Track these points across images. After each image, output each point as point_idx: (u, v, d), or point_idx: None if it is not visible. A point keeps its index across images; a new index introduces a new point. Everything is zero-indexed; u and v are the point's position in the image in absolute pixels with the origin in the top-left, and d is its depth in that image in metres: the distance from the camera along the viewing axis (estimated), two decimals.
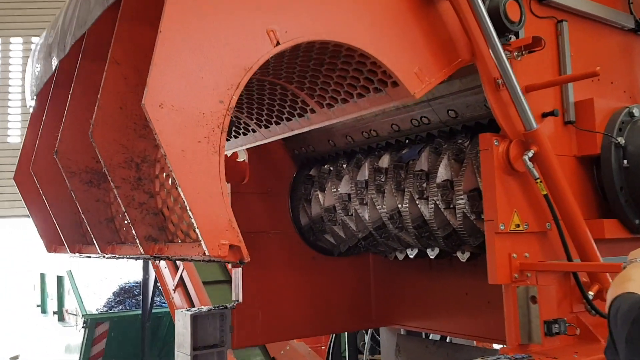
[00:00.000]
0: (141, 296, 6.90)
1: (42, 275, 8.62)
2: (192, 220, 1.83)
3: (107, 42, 2.60)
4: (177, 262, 5.89)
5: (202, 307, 4.45)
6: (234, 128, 3.40)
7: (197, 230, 1.82)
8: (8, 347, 10.68)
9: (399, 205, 3.67)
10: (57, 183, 3.20)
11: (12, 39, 12.10)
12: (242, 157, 4.30)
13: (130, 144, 2.55)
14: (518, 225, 2.69)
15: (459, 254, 3.65)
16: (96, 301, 7.93)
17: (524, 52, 2.66)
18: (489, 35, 2.55)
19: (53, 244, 3.58)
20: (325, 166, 4.26)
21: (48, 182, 3.34)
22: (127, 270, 8.14)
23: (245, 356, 5.90)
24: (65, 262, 7.94)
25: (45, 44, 3.62)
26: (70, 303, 7.50)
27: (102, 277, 7.98)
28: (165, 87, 1.87)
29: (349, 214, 4.02)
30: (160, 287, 6.42)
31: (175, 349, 4.04)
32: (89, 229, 2.91)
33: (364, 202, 3.90)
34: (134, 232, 2.45)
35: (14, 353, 10.50)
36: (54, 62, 3.36)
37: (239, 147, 3.68)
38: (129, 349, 7.32)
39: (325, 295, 4.52)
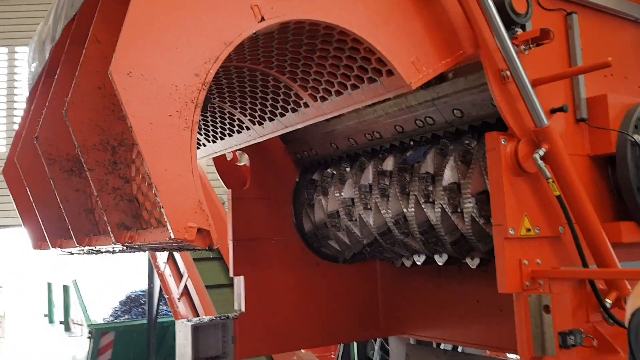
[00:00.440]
0: (147, 305, 6.81)
1: (49, 285, 8.55)
2: (158, 199, 1.70)
3: None
4: (182, 270, 5.77)
5: (204, 317, 4.32)
6: (228, 126, 3.28)
7: (162, 210, 1.70)
8: (16, 358, 10.62)
9: (404, 210, 3.53)
10: (40, 173, 3.05)
11: None
12: (243, 162, 4.17)
13: (107, 126, 2.42)
14: (529, 230, 2.53)
15: (468, 260, 3.50)
16: (103, 310, 7.85)
17: (531, 45, 2.50)
18: (494, 24, 2.41)
19: (38, 241, 3.44)
20: (329, 170, 4.12)
21: (31, 172, 3.18)
22: (134, 279, 8.05)
23: None
24: (71, 271, 7.87)
25: (39, 39, 3.52)
26: (76, 313, 7.42)
27: (109, 286, 7.90)
28: (136, 54, 1.76)
29: (353, 219, 3.88)
30: (165, 296, 6.33)
31: None
32: (66, 219, 2.78)
33: (368, 206, 3.76)
34: (105, 218, 2.31)
35: None
36: (47, 53, 3.25)
37: (234, 147, 3.55)
38: (135, 358, 7.21)
39: (331, 304, 4.37)
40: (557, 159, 2.52)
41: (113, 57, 1.72)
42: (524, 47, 2.50)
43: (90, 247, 2.62)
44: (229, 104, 3.12)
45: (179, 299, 5.74)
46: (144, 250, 2.47)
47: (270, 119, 3.09)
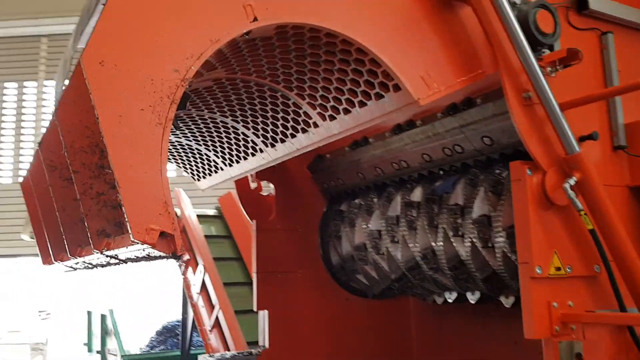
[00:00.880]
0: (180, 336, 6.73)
1: (89, 313, 8.62)
2: (119, 196, 1.59)
3: None
4: (214, 301, 5.67)
5: (226, 352, 4.19)
6: (242, 148, 3.20)
7: (123, 208, 1.58)
8: None
9: (433, 244, 3.33)
10: (46, 184, 3.00)
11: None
12: (268, 191, 4.07)
13: (97, 128, 2.33)
14: (559, 269, 2.30)
15: (502, 299, 3.25)
16: (140, 340, 7.81)
17: (558, 66, 2.30)
18: (518, 44, 2.22)
19: (48, 257, 3.38)
20: (356, 200, 3.96)
21: (40, 183, 3.15)
22: (172, 309, 8.00)
23: None
24: (111, 299, 7.90)
25: (64, 57, 3.52)
26: (112, 342, 7.42)
27: (147, 315, 7.89)
28: (111, 44, 1.69)
29: (380, 252, 3.69)
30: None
31: None
32: (61, 229, 2.69)
33: (396, 239, 3.57)
34: (86, 224, 2.20)
35: None
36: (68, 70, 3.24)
37: (250, 170, 3.45)
38: None
39: (361, 341, 4.17)
40: (590, 189, 2.29)
41: (86, 45, 1.65)
42: (550, 68, 2.30)
43: (83, 259, 2.53)
44: (242, 123, 3.04)
45: (210, 330, 5.64)
46: (124, 262, 2.35)
47: (282, 141, 2.99)
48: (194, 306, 5.98)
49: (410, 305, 4.37)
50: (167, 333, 8.20)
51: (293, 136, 2.90)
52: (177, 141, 3.41)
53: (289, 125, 2.85)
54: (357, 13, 2.12)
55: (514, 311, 3.36)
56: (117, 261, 2.29)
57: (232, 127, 3.05)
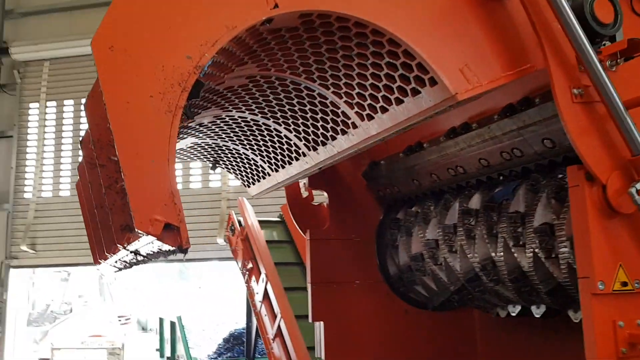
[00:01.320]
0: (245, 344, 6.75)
1: (161, 320, 8.82)
2: (124, 184, 1.54)
3: None
4: (276, 310, 5.63)
5: None
6: (287, 152, 3.13)
7: (127, 197, 1.53)
8: None
9: (492, 254, 3.12)
10: (87, 182, 3.02)
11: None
12: (320, 200, 3.97)
13: None
14: (625, 284, 2.07)
15: (570, 314, 3.01)
16: (210, 347, 7.90)
17: (619, 60, 2.07)
18: (573, 33, 2.01)
19: (95, 256, 3.41)
20: (413, 208, 3.79)
21: (85, 183, 3.16)
22: (239, 317, 8.05)
23: None
24: (184, 306, 8.03)
25: None
26: (181, 349, 7.55)
27: (218, 322, 7.98)
28: (122, 28, 1.65)
29: (438, 263, 3.51)
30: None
31: None
32: (99, 227, 2.69)
33: (454, 249, 3.38)
34: (111, 218, 2.17)
35: None
36: None
37: (295, 176, 3.36)
38: None
39: (422, 355, 3.98)
40: None
41: (97, 29, 1.62)
42: (610, 62, 2.08)
43: (117, 257, 2.51)
44: (283, 125, 2.98)
45: (273, 339, 5.60)
46: (147, 258, 2.29)
47: (323, 143, 2.90)
48: (257, 314, 5.96)
49: (475, 318, 4.14)
50: (233, 341, 8.28)
51: (333, 138, 2.80)
52: (224, 145, 3.39)
53: (328, 126, 2.76)
54: (388, 1, 1.98)
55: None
56: (142, 258, 2.25)
57: (275, 129, 3.00)
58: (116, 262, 2.70)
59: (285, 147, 3.11)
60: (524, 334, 3.81)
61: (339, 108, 2.56)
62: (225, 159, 3.60)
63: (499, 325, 3.96)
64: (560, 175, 2.82)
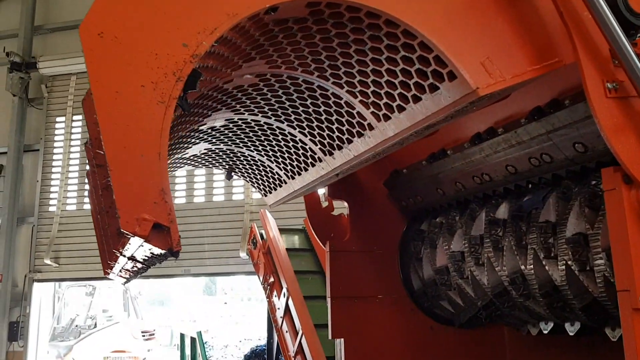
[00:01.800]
0: None
1: (182, 336, 8.75)
2: (109, 180, 1.43)
3: None
4: (297, 326, 5.48)
5: None
6: (302, 158, 3.00)
7: (113, 194, 1.41)
8: None
9: (522, 267, 2.94)
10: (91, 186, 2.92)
11: None
12: (340, 211, 3.83)
13: None
14: None
15: (608, 331, 2.80)
16: None
17: None
18: (607, 24, 1.85)
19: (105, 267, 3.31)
20: (437, 219, 3.62)
21: (91, 191, 3.09)
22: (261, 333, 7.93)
23: None
24: (204, 322, 7.92)
25: None
26: None
27: (241, 338, 7.85)
28: (113, 14, 1.55)
29: (464, 276, 3.33)
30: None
31: None
32: (102, 234, 2.58)
33: (481, 262, 3.20)
34: (107, 221, 2.07)
35: None
36: None
37: (312, 183, 3.22)
38: None
39: None
40: None
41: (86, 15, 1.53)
42: None
43: (120, 265, 2.39)
44: (298, 129, 2.86)
45: (294, 356, 5.45)
46: (145, 264, 2.16)
47: (339, 147, 2.77)
48: (279, 330, 5.82)
49: (504, 336, 3.94)
50: (255, 357, 8.14)
51: (349, 141, 2.67)
52: (239, 151, 3.28)
53: (343, 128, 2.63)
54: None
55: (622, 345, 2.91)
56: (141, 265, 2.13)
57: (289, 133, 2.89)
58: (120, 270, 2.59)
59: (300, 152, 2.98)
60: (557, 354, 3.59)
61: (354, 108, 2.42)
62: (240, 166, 3.49)
63: (530, 344, 3.76)
64: (593, 182, 2.65)
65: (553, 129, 2.65)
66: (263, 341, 8.05)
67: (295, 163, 3.11)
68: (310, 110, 2.61)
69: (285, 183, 3.34)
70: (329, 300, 3.70)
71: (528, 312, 3.14)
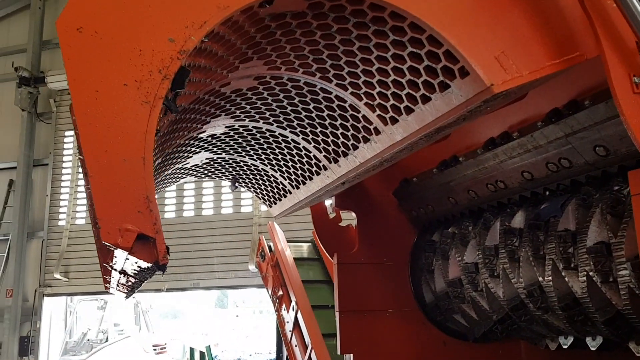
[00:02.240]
0: None
1: (192, 350, 8.65)
2: (89, 187, 1.32)
3: None
4: (307, 340, 5.35)
5: None
6: (307, 167, 2.87)
7: (93, 203, 1.30)
8: None
9: (540, 278, 2.80)
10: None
11: None
12: (348, 221, 3.70)
13: None
14: None
15: (632, 346, 2.65)
16: None
17: None
18: (634, 14, 1.71)
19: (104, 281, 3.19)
20: (449, 229, 3.48)
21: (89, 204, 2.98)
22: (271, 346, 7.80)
23: None
24: (215, 335, 7.80)
25: None
26: None
27: (251, 352, 7.73)
28: (92, 7, 1.45)
29: (479, 289, 3.19)
30: None
31: None
32: (97, 247, 2.45)
33: (496, 273, 3.06)
34: (95, 233, 1.92)
35: None
36: None
37: (317, 193, 3.10)
38: None
39: None
40: None
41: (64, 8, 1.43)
42: None
43: (115, 279, 2.26)
44: (301, 136, 2.76)
45: None
46: (137, 277, 2.04)
47: (344, 154, 2.66)
48: (288, 344, 5.70)
49: (521, 351, 3.78)
50: None
51: (355, 147, 2.56)
52: (242, 161, 3.18)
53: (348, 134, 2.52)
54: None
55: None
56: (134, 279, 2.00)
57: (293, 140, 2.78)
58: (117, 285, 2.47)
59: (304, 160, 2.87)
60: None
61: (359, 112, 2.29)
62: (244, 176, 3.37)
63: (549, 359, 3.60)
64: (616, 187, 2.52)
65: (572, 131, 2.52)
66: (273, 355, 7.93)
67: (299, 172, 2.99)
68: (313, 115, 2.49)
69: (290, 193, 3.22)
70: (337, 314, 3.56)
71: (546, 326, 2.99)
